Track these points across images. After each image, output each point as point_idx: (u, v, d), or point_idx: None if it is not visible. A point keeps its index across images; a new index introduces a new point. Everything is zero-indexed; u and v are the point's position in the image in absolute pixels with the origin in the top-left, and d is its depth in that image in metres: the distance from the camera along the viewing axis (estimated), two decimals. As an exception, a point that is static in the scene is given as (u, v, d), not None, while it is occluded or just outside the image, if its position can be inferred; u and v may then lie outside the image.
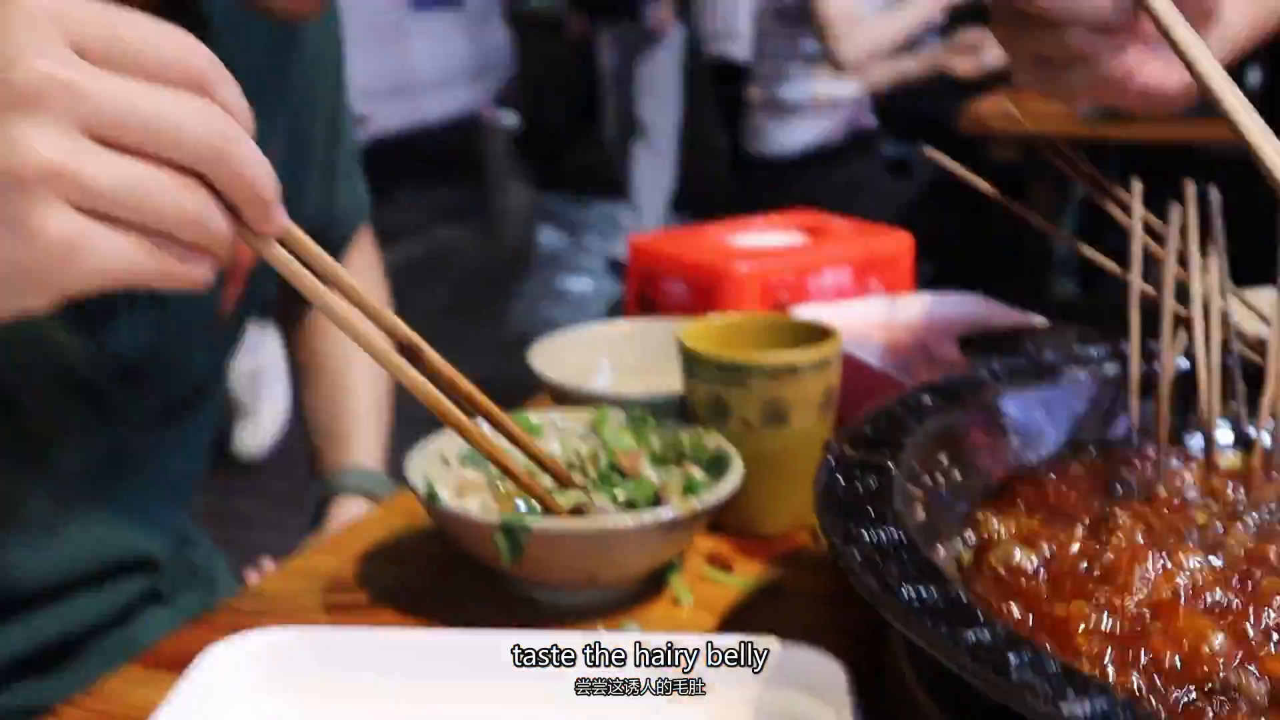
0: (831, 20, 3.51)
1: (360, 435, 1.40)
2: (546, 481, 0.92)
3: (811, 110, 3.79)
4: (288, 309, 1.50)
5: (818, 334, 1.03)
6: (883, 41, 3.58)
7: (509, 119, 8.74)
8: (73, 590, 1.12)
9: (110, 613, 1.16)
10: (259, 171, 0.63)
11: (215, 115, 0.61)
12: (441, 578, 0.97)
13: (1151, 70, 0.86)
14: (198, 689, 0.69)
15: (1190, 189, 1.02)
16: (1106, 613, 0.72)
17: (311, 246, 0.72)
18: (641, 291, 1.43)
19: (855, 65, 3.56)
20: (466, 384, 0.83)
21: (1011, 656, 0.59)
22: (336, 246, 1.42)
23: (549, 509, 0.90)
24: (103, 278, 0.60)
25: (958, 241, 3.32)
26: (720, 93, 4.40)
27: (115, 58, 0.59)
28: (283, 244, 0.69)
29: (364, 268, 1.51)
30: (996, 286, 1.48)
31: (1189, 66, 0.78)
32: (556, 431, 1.02)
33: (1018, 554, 0.78)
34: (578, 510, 0.90)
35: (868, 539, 0.71)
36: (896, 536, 0.71)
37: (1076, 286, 4.38)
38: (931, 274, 3.55)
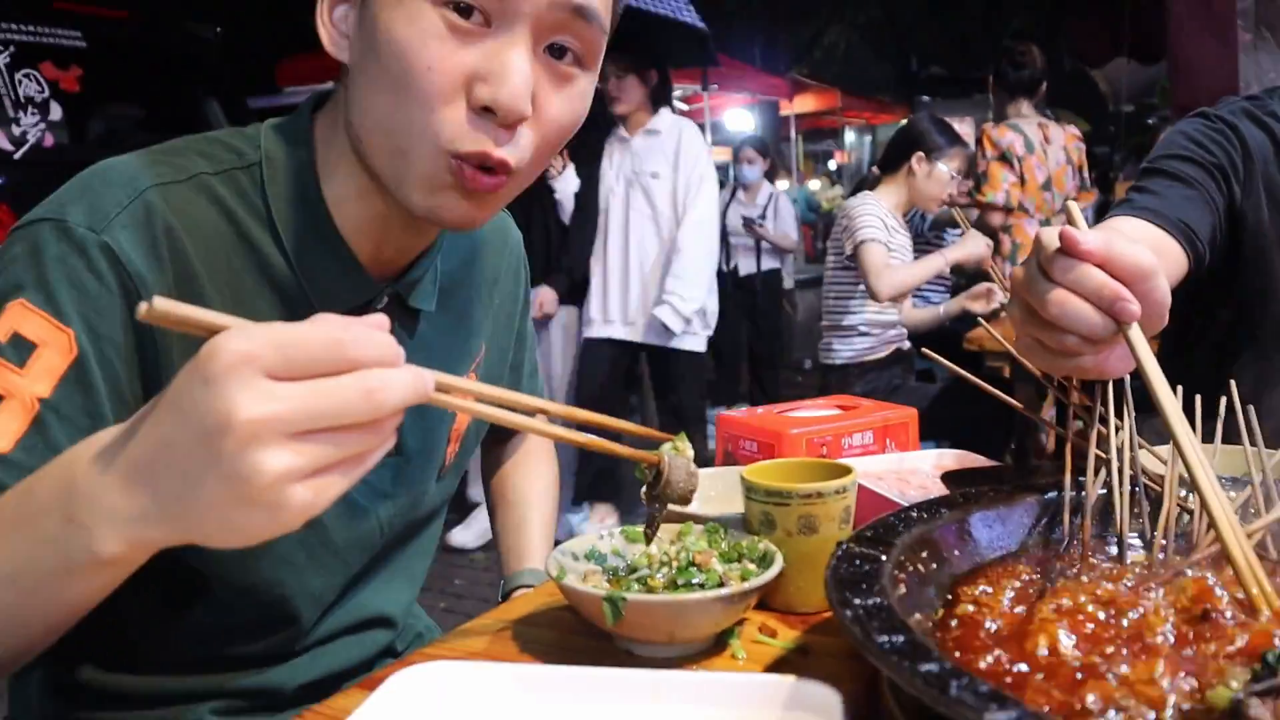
0: (870, 267, 3.56)
1: (534, 548, 1.40)
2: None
3: (864, 331, 3.81)
4: (488, 452, 1.52)
5: (840, 471, 1.03)
6: (907, 283, 3.61)
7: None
8: (339, 638, 1.15)
9: (360, 660, 1.18)
10: (395, 395, 0.62)
11: (360, 382, 0.61)
12: (568, 635, 0.97)
13: (1116, 365, 0.87)
14: (382, 703, 0.70)
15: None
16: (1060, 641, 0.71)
17: (505, 395, 0.76)
18: (726, 448, 1.44)
19: (887, 297, 3.59)
20: (601, 418, 0.87)
21: (953, 682, 0.58)
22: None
23: (651, 590, 0.91)
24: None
25: (965, 423, 3.27)
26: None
27: (293, 371, 0.59)
28: (485, 400, 0.73)
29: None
30: (988, 452, 1.46)
31: (1146, 383, 0.83)
32: (656, 539, 1.02)
33: (971, 609, 0.77)
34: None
35: (858, 604, 0.70)
36: (879, 603, 0.70)
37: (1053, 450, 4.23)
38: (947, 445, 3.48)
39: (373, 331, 0.62)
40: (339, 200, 1.00)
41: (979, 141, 4.59)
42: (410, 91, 0.87)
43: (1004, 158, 4.44)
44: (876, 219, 3.64)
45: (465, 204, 0.92)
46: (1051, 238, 0.83)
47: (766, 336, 7.19)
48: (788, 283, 7.74)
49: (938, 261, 3.63)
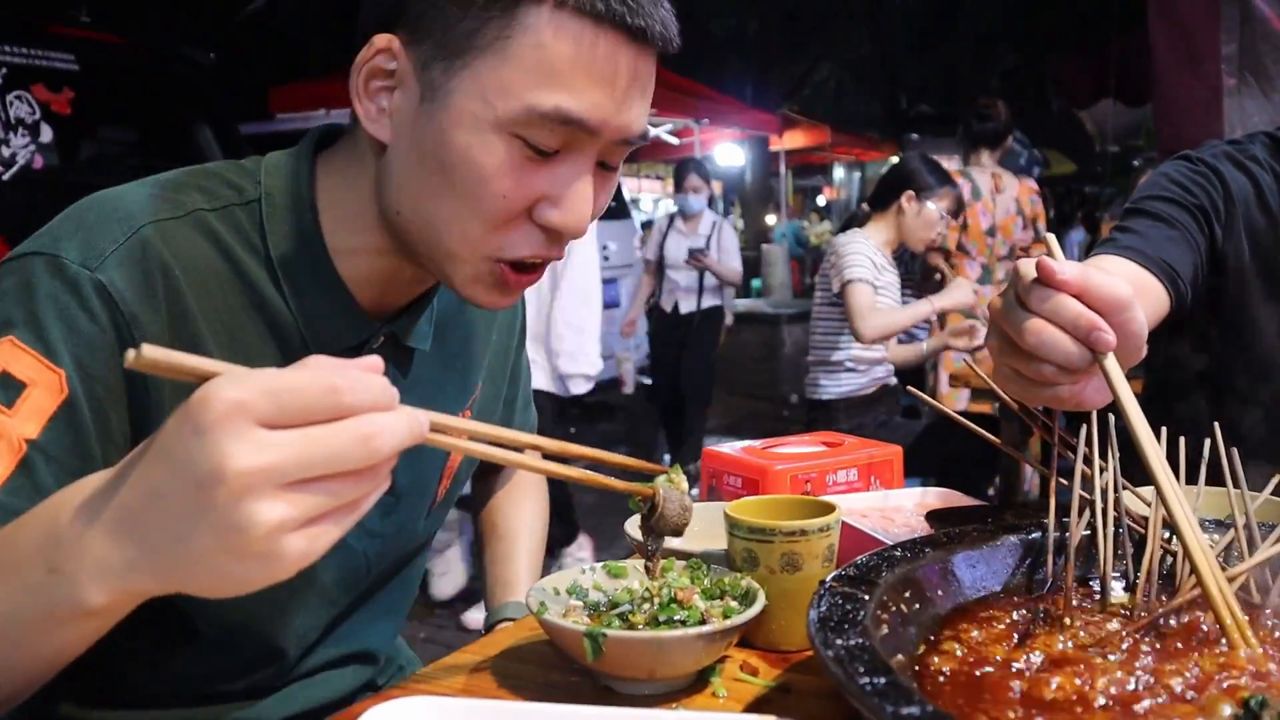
0: (855, 309, 3.57)
1: (519, 581, 1.38)
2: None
3: (851, 367, 3.81)
4: (478, 483, 1.51)
5: (824, 509, 1.03)
6: (891, 327, 3.62)
7: (647, 381, 8.78)
8: (322, 672, 1.14)
9: (341, 695, 1.16)
10: (390, 441, 0.61)
11: (355, 429, 0.59)
12: (549, 670, 0.96)
13: (1093, 396, 0.87)
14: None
15: (1093, 415, 1.01)
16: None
17: (498, 433, 0.76)
18: (711, 483, 1.43)
19: (870, 340, 3.60)
20: (594, 452, 0.86)
21: (934, 727, 0.58)
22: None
23: (632, 626, 0.90)
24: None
25: (950, 461, 3.27)
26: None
27: (286, 419, 0.58)
28: (478, 438, 0.73)
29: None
30: (973, 489, 1.46)
31: (1122, 414, 0.84)
32: (637, 573, 1.02)
33: (954, 651, 0.76)
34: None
35: (840, 644, 0.70)
36: (862, 644, 0.70)
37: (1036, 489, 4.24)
38: (932, 483, 3.49)
39: (367, 375, 0.61)
40: (346, 250, 1.00)
41: None
42: (476, 211, 0.90)
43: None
44: (865, 258, 3.65)
45: (500, 294, 0.97)
46: (1029, 268, 0.84)
47: (696, 375, 6.36)
48: (728, 319, 6.88)
49: (925, 308, 3.64)
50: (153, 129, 5.42)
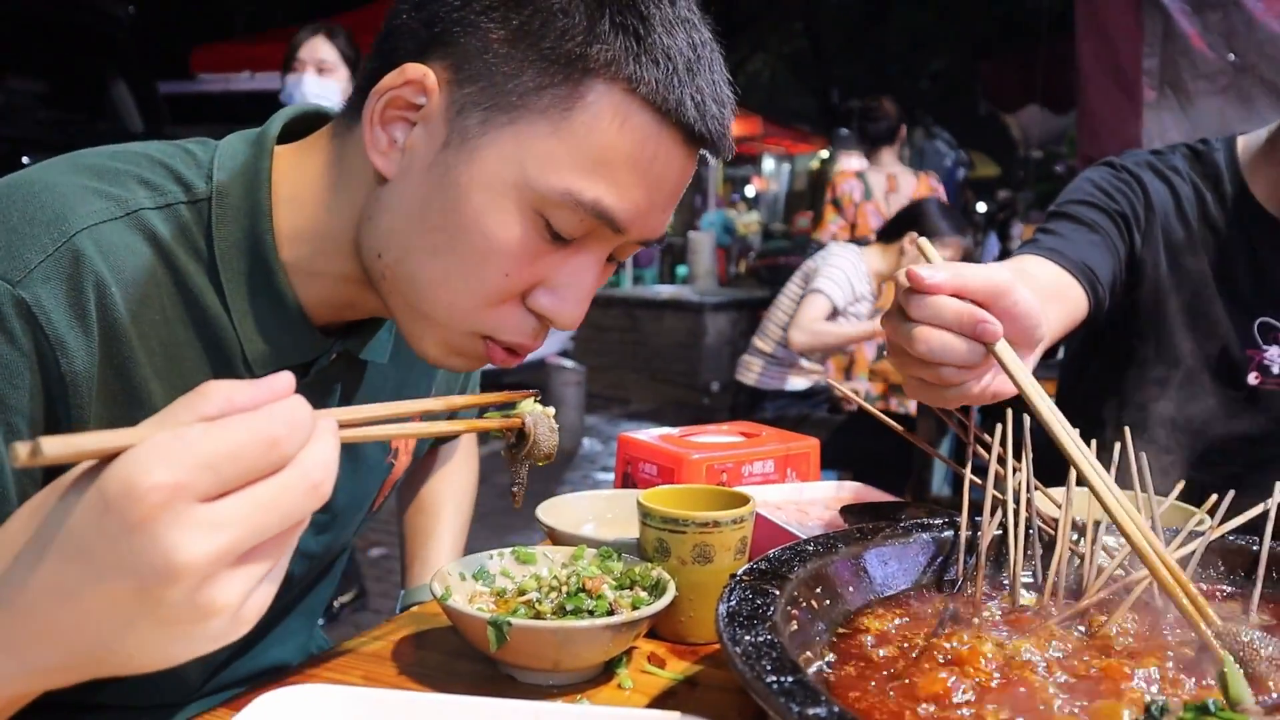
0: (801, 316, 3.60)
1: (441, 561, 1.33)
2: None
3: (792, 362, 3.84)
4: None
5: (739, 500, 1.02)
6: (824, 343, 3.65)
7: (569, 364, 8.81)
8: (219, 692, 1.07)
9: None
10: (333, 476, 0.55)
11: (301, 481, 0.52)
12: (453, 659, 0.93)
13: (1006, 386, 0.87)
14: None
15: (1009, 415, 1.02)
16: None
17: (393, 408, 0.70)
18: (626, 470, 1.41)
19: (799, 348, 3.65)
20: (465, 398, 0.84)
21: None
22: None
23: (538, 614, 0.88)
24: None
25: (868, 455, 3.30)
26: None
27: (227, 488, 0.50)
28: (377, 420, 0.68)
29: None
30: (888, 483, 1.47)
31: (1025, 398, 0.84)
32: (546, 560, 0.99)
33: (862, 648, 0.75)
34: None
35: (748, 640, 0.68)
36: (770, 640, 0.68)
37: (950, 486, 4.31)
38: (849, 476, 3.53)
39: (293, 409, 0.53)
40: (306, 271, 0.91)
41: (828, 184, 5.04)
42: (472, 283, 0.83)
43: (836, 202, 4.86)
44: (844, 276, 3.65)
45: (473, 364, 0.91)
46: (904, 278, 0.84)
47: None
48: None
49: (866, 331, 3.65)
50: (66, 81, 5.21)
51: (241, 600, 0.52)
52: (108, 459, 0.49)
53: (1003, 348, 0.83)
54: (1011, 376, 0.83)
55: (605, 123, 0.79)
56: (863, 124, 4.93)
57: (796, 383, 3.86)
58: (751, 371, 3.89)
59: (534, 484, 1.02)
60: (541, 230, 0.82)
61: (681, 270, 12.90)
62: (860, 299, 3.75)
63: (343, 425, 0.62)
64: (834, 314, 3.67)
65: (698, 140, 0.84)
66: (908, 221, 3.82)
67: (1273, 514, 0.96)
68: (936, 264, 0.83)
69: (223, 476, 0.50)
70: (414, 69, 0.81)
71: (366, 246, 0.87)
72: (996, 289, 0.82)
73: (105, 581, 0.50)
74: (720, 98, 0.85)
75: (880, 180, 4.80)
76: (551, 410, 0.89)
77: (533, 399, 0.88)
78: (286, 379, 0.55)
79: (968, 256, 3.94)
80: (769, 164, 19.54)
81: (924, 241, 0.90)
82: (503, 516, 4.55)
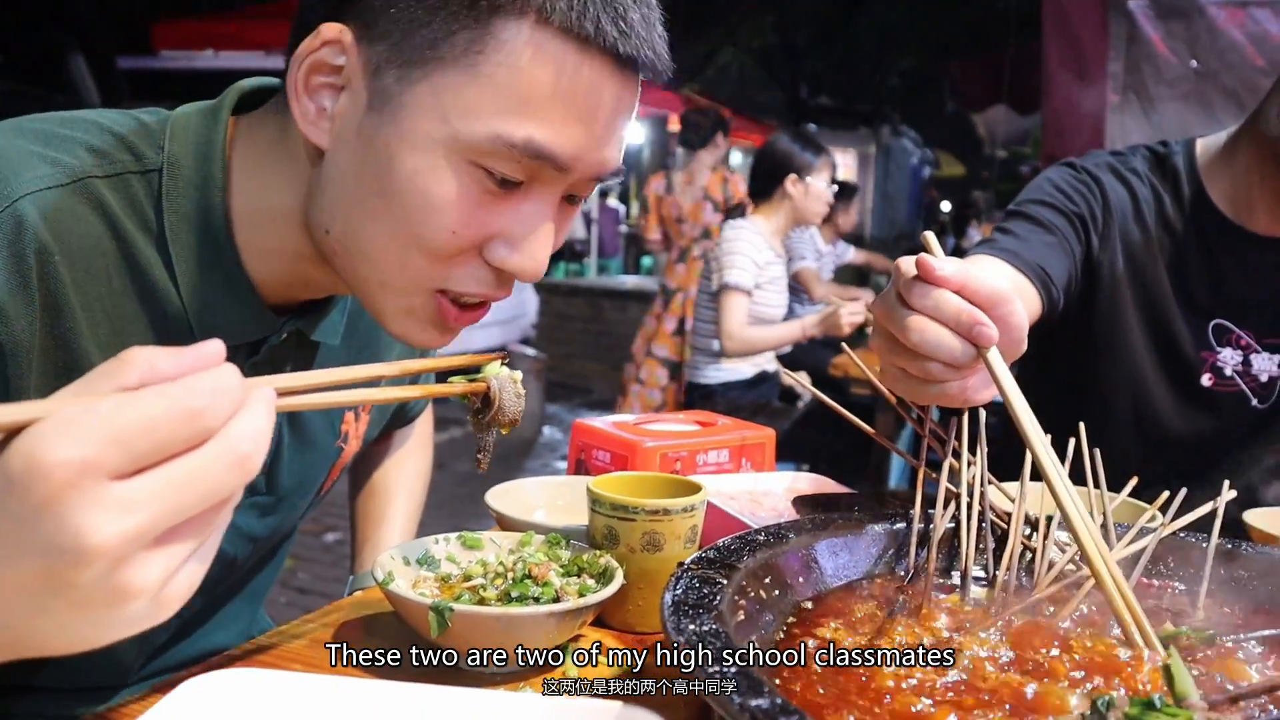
0: (725, 322, 3.58)
1: (390, 546, 1.31)
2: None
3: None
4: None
5: (690, 489, 1.00)
6: (756, 345, 3.63)
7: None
8: (158, 675, 1.05)
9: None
10: (264, 449, 0.51)
11: (226, 455, 0.49)
12: (396, 645, 0.91)
13: (980, 392, 0.87)
14: (169, 712, 0.64)
15: (964, 411, 1.01)
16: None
17: (342, 374, 0.67)
18: (579, 458, 1.40)
19: (732, 354, 3.64)
20: (425, 361, 0.81)
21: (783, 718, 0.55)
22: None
23: (483, 600, 0.86)
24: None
25: (825, 447, 3.31)
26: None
27: (143, 463, 0.47)
28: (323, 387, 0.65)
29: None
30: (846, 477, 1.46)
31: (1009, 408, 0.83)
32: (493, 546, 0.98)
33: (809, 640, 0.74)
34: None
35: (693, 629, 0.67)
36: (715, 630, 0.67)
37: (908, 480, 4.34)
38: (805, 466, 3.53)
39: (221, 377, 0.50)
40: (258, 248, 0.88)
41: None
42: (421, 244, 0.80)
43: (643, 200, 5.31)
44: (748, 259, 3.60)
45: (436, 332, 0.87)
46: (909, 265, 0.83)
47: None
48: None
49: (795, 331, 3.61)
50: (20, 52, 5.11)
51: (162, 582, 0.49)
52: (14, 433, 0.46)
53: (994, 354, 0.82)
54: (999, 384, 0.83)
55: (522, 60, 0.76)
56: (685, 136, 5.19)
57: (742, 369, 3.84)
58: (695, 369, 3.87)
59: (494, 472, 1.00)
60: (483, 181, 0.79)
61: (646, 261, 12.89)
62: (768, 265, 3.69)
63: (284, 394, 0.60)
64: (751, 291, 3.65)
65: (625, 62, 0.80)
66: (775, 168, 3.75)
67: (1221, 511, 0.96)
68: (944, 259, 0.82)
69: (136, 452, 0.47)
70: (329, 28, 0.79)
71: (315, 223, 0.85)
72: (999, 296, 0.82)
73: (11, 564, 0.47)
74: (647, 18, 0.81)
75: (679, 177, 5.14)
76: (519, 375, 0.87)
77: (499, 363, 0.86)
78: (216, 345, 0.52)
79: (834, 170, 3.88)
80: (736, 157, 19.57)
81: (929, 236, 0.89)
82: (460, 504, 4.53)
